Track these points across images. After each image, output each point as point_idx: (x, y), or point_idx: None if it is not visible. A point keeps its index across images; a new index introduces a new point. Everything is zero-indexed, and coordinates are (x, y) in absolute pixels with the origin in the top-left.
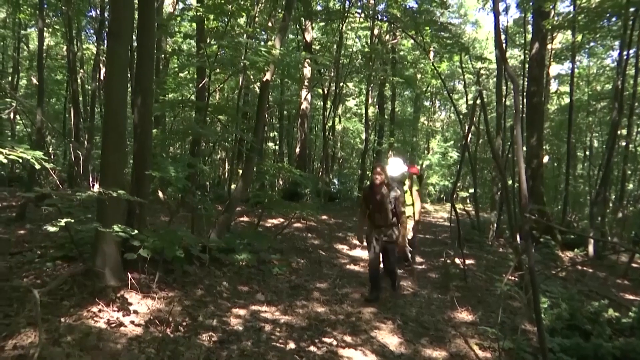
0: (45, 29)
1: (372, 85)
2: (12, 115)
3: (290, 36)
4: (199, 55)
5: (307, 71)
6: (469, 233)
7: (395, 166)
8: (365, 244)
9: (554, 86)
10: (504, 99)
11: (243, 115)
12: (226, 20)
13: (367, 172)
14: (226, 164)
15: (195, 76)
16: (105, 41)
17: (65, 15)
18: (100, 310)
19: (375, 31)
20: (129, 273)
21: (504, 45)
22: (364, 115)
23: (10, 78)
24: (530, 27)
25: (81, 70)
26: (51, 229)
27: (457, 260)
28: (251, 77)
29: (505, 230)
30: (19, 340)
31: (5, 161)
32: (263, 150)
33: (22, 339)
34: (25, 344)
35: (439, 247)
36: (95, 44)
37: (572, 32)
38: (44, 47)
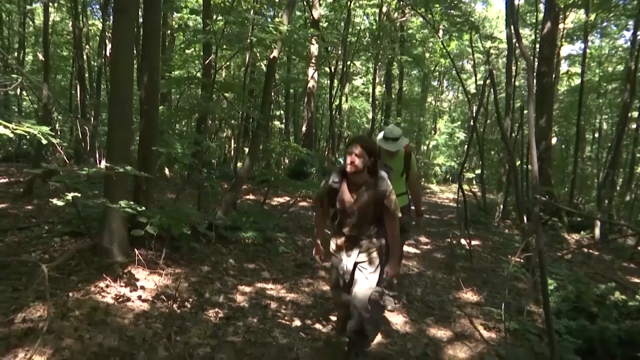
0: (50, 4)
1: (379, 64)
2: (18, 91)
3: (298, 13)
4: (205, 31)
5: (314, 49)
6: (475, 214)
7: (394, 136)
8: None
9: (564, 67)
10: (513, 79)
11: (249, 93)
12: None
13: None
14: (232, 141)
15: (202, 53)
16: (111, 17)
17: None
18: (107, 286)
19: (384, 8)
20: (135, 249)
21: (515, 23)
22: (371, 94)
23: (16, 54)
24: (542, 6)
25: (87, 47)
26: (58, 202)
27: (463, 241)
28: (258, 54)
29: (512, 211)
30: (28, 314)
31: (12, 136)
32: (269, 129)
33: (31, 312)
34: (34, 317)
35: (444, 227)
36: (101, 20)
37: (585, 10)
38: (50, 23)
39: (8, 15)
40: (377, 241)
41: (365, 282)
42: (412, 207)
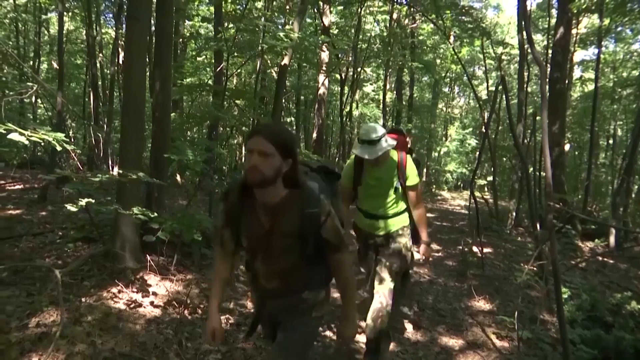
0: (65, 13)
1: (390, 70)
2: (33, 98)
3: (308, 20)
4: (216, 39)
5: (324, 56)
6: (487, 221)
7: (370, 137)
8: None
9: (577, 73)
10: (525, 86)
11: (260, 99)
12: (244, 3)
13: None
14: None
15: (213, 60)
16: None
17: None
18: (119, 291)
19: (395, 15)
20: (147, 255)
21: (528, 28)
22: (381, 101)
23: (31, 62)
24: (554, 11)
25: (100, 55)
26: (72, 208)
27: (475, 249)
28: (268, 61)
29: (524, 219)
30: (41, 319)
31: (27, 143)
32: None
33: (45, 317)
34: (47, 322)
35: (456, 234)
36: (114, 28)
37: (599, 15)
38: (64, 32)
39: (24, 24)
40: (313, 295)
41: None
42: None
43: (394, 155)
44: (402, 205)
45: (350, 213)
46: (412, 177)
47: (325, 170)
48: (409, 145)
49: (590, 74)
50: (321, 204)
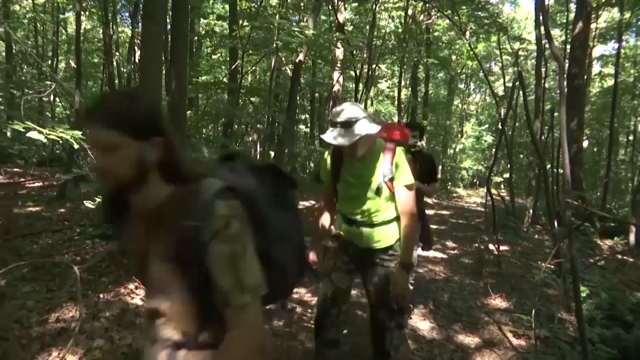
0: (82, 12)
1: (405, 67)
2: (52, 97)
3: (323, 17)
4: (231, 36)
5: (339, 53)
6: (503, 219)
7: (343, 119)
8: None
9: (596, 68)
10: (543, 81)
11: (275, 97)
12: (259, 1)
13: None
14: (258, 146)
15: (228, 58)
16: (140, 23)
17: None
18: (136, 288)
19: (410, 11)
20: None
21: (547, 23)
22: (396, 97)
23: (50, 61)
24: (573, 6)
25: (117, 53)
26: (89, 205)
27: (491, 246)
28: (283, 59)
29: (542, 216)
30: (61, 314)
31: (45, 141)
32: (295, 133)
33: (64, 312)
34: (66, 317)
35: (471, 232)
36: (131, 27)
37: (619, 9)
38: (81, 31)
39: (42, 24)
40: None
41: None
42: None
43: (380, 147)
44: (392, 213)
45: (325, 219)
46: (402, 175)
47: (274, 172)
48: (421, 143)
49: (610, 69)
50: (209, 212)
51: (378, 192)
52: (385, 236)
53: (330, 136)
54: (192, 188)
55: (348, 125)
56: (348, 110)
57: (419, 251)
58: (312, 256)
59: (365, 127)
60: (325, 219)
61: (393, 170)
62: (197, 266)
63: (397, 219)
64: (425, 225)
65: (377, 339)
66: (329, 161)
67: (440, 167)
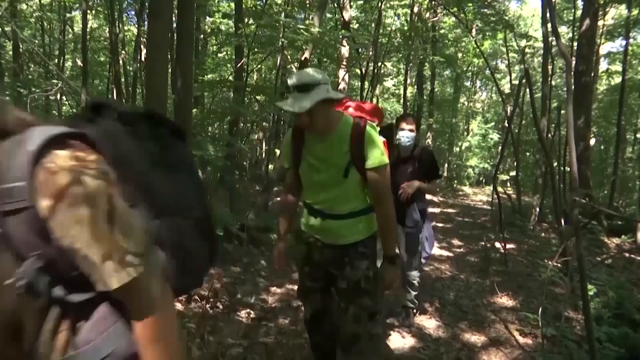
0: (88, 11)
1: (411, 64)
2: (58, 95)
3: (328, 15)
4: (237, 35)
5: (344, 50)
6: (510, 217)
7: (299, 82)
8: None
9: (603, 65)
10: (549, 79)
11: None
12: None
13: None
14: (264, 144)
15: (234, 56)
16: (146, 22)
17: None
18: None
19: (415, 9)
20: None
21: (554, 20)
22: (402, 95)
23: (56, 60)
24: (580, 3)
25: (123, 52)
26: None
27: (498, 244)
28: (289, 57)
29: (548, 214)
30: None
31: None
32: None
33: None
34: None
35: (478, 230)
36: (137, 26)
37: (627, 5)
38: (88, 30)
39: (49, 23)
40: None
41: None
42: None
43: (347, 124)
44: (362, 201)
45: (290, 212)
46: (374, 155)
47: (153, 121)
48: (412, 133)
49: (617, 67)
50: (35, 168)
51: (345, 175)
52: (355, 229)
53: (284, 102)
54: (13, 140)
55: (305, 88)
56: (307, 73)
57: (427, 252)
58: (275, 255)
59: (325, 93)
60: (287, 214)
61: (363, 150)
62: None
63: (370, 209)
64: (429, 231)
65: (345, 352)
66: (289, 142)
67: (446, 165)
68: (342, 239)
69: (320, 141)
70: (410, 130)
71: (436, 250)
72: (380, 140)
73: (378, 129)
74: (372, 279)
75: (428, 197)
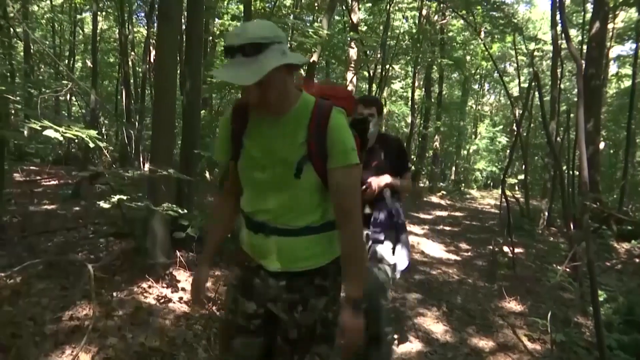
0: (99, 13)
1: (419, 67)
2: (68, 96)
3: (337, 17)
4: None
5: (353, 53)
6: (518, 221)
7: (242, 41)
8: None
9: (613, 68)
10: (559, 82)
11: None
12: (273, 1)
13: (412, 156)
14: None
15: None
16: (155, 24)
17: None
18: (149, 287)
19: (424, 11)
20: (177, 251)
21: (564, 23)
22: (410, 98)
23: (67, 61)
24: (589, 6)
25: (132, 53)
26: (104, 204)
27: (506, 249)
28: None
29: (557, 218)
30: (74, 312)
31: (62, 139)
32: None
33: (78, 311)
34: (80, 315)
35: (485, 234)
36: (146, 27)
37: (637, 8)
38: (98, 31)
39: (60, 24)
40: None
41: None
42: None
43: (308, 104)
44: (322, 213)
45: (223, 223)
46: (340, 151)
47: None
48: (373, 122)
49: (627, 70)
50: None
51: (297, 175)
52: (311, 252)
53: (220, 72)
54: None
55: (253, 50)
56: (255, 26)
57: (400, 266)
58: (192, 285)
59: (281, 56)
60: (219, 226)
61: (325, 142)
62: None
63: (334, 224)
64: (403, 233)
65: None
66: (227, 126)
67: (453, 168)
68: (292, 266)
69: (269, 125)
70: (370, 115)
71: (443, 254)
72: (349, 129)
73: (349, 118)
74: (332, 321)
75: (436, 200)
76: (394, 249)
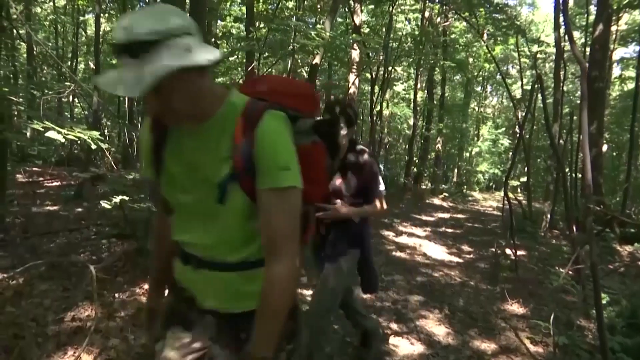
0: (101, 14)
1: (421, 69)
2: (71, 97)
3: (339, 19)
4: (248, 39)
5: (355, 55)
6: (520, 223)
7: (127, 38)
8: None
9: (616, 71)
10: (562, 84)
11: None
12: (276, 3)
13: (415, 158)
14: None
15: (244, 60)
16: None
17: (120, 1)
18: None
19: (427, 13)
20: None
21: (568, 25)
22: (412, 100)
23: (69, 62)
24: (593, 8)
25: None
26: (106, 205)
27: (508, 251)
28: (299, 61)
29: (559, 221)
30: (77, 313)
31: (64, 141)
32: None
33: (80, 312)
34: (82, 316)
35: (488, 236)
36: None
37: None
38: (101, 32)
39: (63, 26)
40: None
41: None
42: None
43: (235, 106)
44: (255, 242)
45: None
46: (272, 167)
47: None
48: (345, 134)
49: (631, 72)
50: None
51: (221, 199)
52: (250, 291)
53: (106, 77)
54: None
55: (139, 50)
56: (142, 19)
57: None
58: (145, 319)
59: (181, 56)
60: (161, 251)
61: (253, 156)
62: None
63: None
64: (366, 261)
65: None
66: (146, 138)
67: (456, 170)
68: (229, 306)
69: (189, 136)
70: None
71: (446, 256)
72: (290, 140)
73: (309, 122)
74: None
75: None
76: (360, 269)
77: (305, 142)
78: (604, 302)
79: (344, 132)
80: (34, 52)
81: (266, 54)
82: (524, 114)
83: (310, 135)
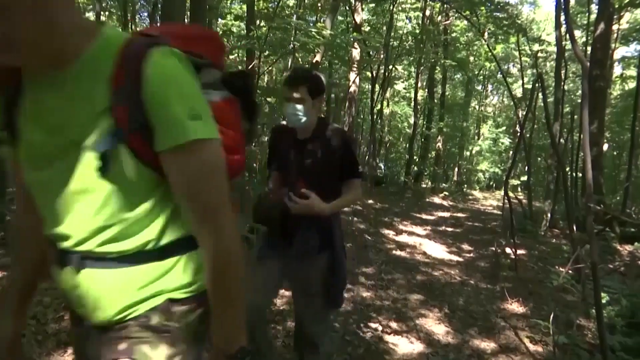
0: (102, 12)
1: (422, 68)
2: None
3: (340, 18)
4: (248, 37)
5: (356, 53)
6: (520, 222)
7: None
8: None
9: (617, 70)
10: (562, 83)
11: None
12: (276, 1)
13: (415, 157)
14: None
15: (245, 58)
16: (159, 23)
17: None
18: None
19: (427, 12)
20: None
21: (569, 24)
22: (413, 99)
23: None
24: (594, 7)
25: None
26: None
27: (508, 250)
28: (300, 59)
29: (560, 220)
30: None
31: None
32: None
33: None
34: None
35: (488, 235)
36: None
37: None
38: None
39: None
40: None
41: None
42: None
43: (112, 43)
44: (153, 228)
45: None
46: (174, 119)
47: None
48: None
49: (632, 71)
50: None
51: (104, 169)
52: (151, 292)
53: None
54: None
55: None
56: None
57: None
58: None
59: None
60: (25, 247)
61: (143, 105)
62: None
63: (188, 240)
64: (334, 266)
65: None
66: None
67: (456, 169)
68: (111, 312)
69: (49, 88)
70: (297, 101)
71: (446, 255)
72: (193, 79)
73: (217, 72)
74: None
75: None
76: (331, 270)
77: (213, 98)
78: (603, 301)
79: (308, 104)
80: None
81: (267, 52)
82: (524, 112)
83: (218, 89)
